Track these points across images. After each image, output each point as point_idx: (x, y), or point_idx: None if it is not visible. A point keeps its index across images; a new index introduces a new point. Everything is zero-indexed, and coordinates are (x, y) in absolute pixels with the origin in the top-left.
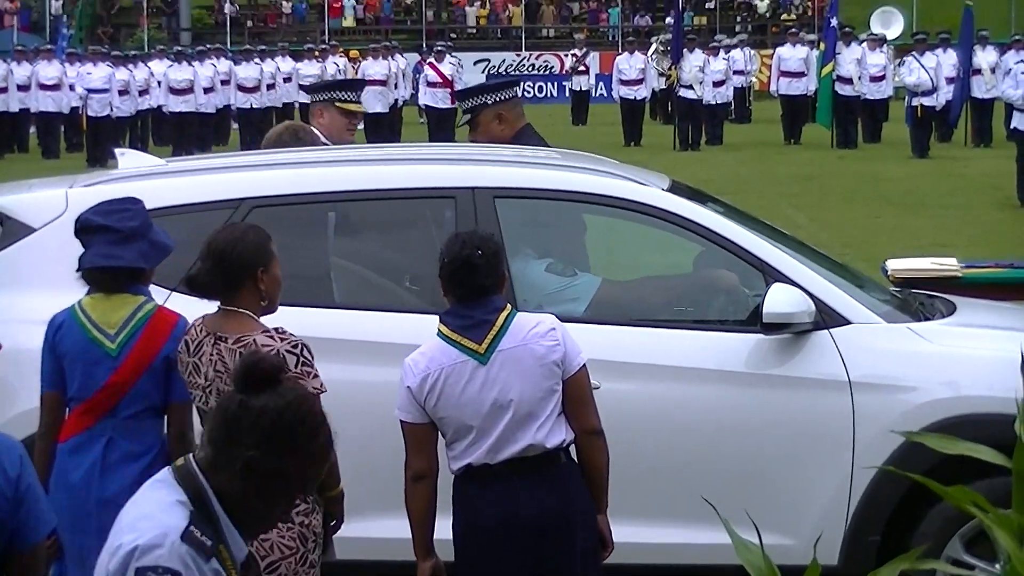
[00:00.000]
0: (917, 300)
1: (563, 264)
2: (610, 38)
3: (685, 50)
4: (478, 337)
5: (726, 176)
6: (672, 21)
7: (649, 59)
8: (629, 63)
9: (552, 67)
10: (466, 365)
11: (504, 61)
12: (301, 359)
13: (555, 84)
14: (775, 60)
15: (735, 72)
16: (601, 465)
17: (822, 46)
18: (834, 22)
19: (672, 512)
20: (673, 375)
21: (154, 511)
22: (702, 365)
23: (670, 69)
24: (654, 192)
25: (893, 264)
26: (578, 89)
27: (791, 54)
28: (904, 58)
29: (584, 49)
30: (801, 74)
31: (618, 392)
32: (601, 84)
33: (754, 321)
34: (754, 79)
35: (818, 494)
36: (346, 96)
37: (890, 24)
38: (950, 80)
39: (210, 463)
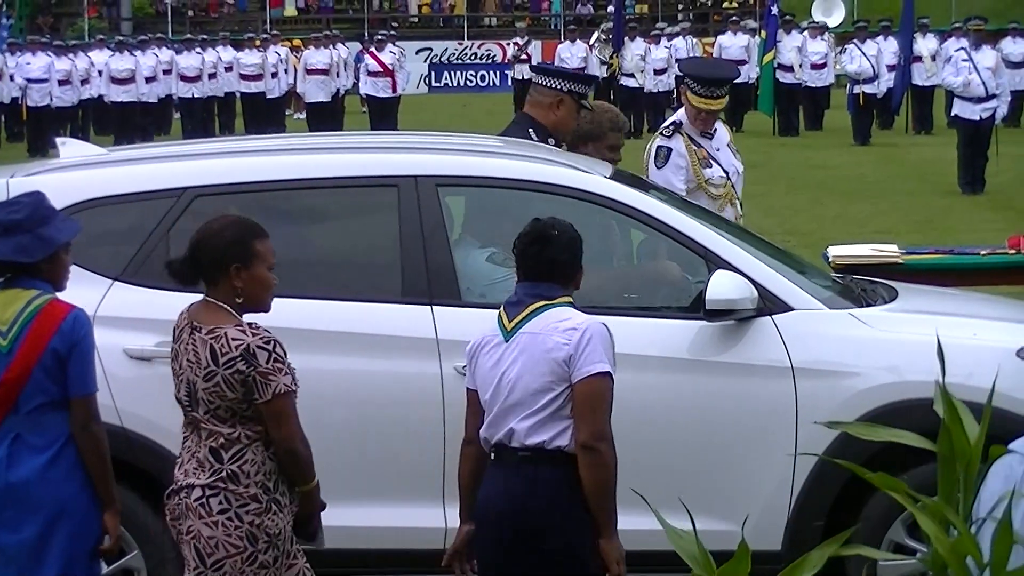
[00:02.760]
0: (859, 286)
1: (505, 254)
2: (552, 27)
3: (627, 38)
4: (512, 315)
5: None
6: (614, 9)
7: (591, 48)
8: (571, 52)
9: (494, 56)
10: (496, 339)
11: (446, 50)
12: (273, 355)
13: (497, 73)
14: (716, 48)
15: (677, 60)
16: (593, 482)
17: (763, 34)
18: (775, 10)
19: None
20: (619, 362)
21: None
22: (645, 352)
23: (612, 58)
24: (596, 180)
25: (835, 251)
26: (520, 78)
27: (732, 42)
28: (845, 46)
29: (526, 38)
30: (742, 62)
31: None
32: None
33: (697, 308)
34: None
35: (762, 480)
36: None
37: (831, 12)
38: (891, 68)
39: None
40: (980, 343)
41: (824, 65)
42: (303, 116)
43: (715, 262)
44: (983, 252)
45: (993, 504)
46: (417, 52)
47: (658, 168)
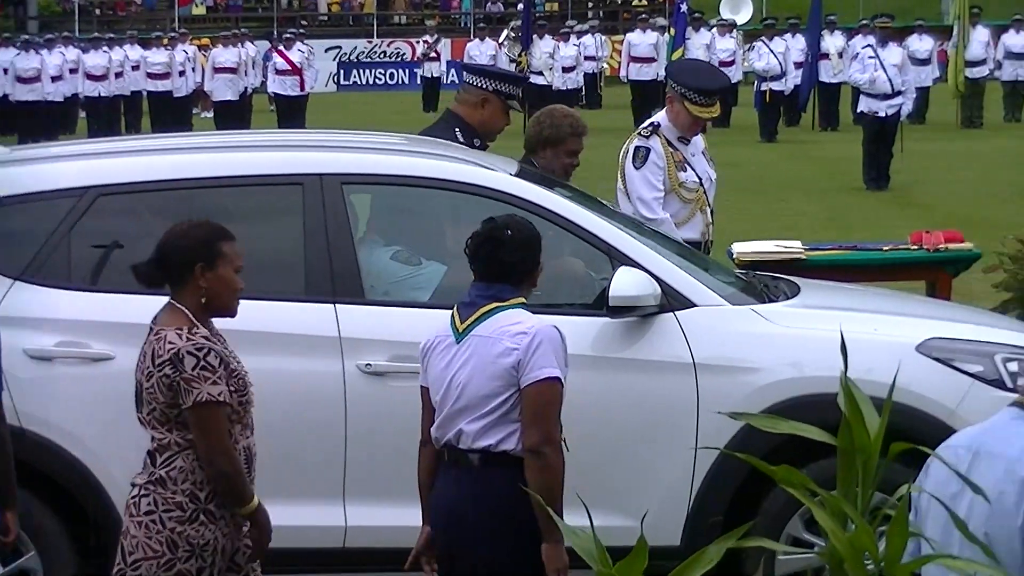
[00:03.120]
0: (761, 282)
1: (409, 252)
2: (462, 24)
3: (535, 36)
4: (464, 316)
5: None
6: (523, 7)
7: (500, 46)
8: (480, 49)
9: (404, 54)
10: (448, 340)
11: (356, 48)
12: (202, 363)
13: (407, 71)
14: (625, 46)
15: (586, 58)
16: (540, 487)
17: (672, 32)
18: (684, 8)
19: None
20: None
21: None
22: None
23: (521, 55)
24: (501, 177)
25: (738, 247)
26: (429, 76)
27: (641, 40)
28: (753, 43)
29: (435, 36)
30: (651, 59)
31: None
32: (452, 71)
33: (600, 304)
34: (605, 65)
35: (662, 476)
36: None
37: (739, 9)
38: (798, 65)
39: None
40: (881, 338)
41: (732, 62)
42: (211, 115)
43: (618, 259)
44: (886, 248)
45: (929, 498)
46: (326, 50)
47: (636, 168)
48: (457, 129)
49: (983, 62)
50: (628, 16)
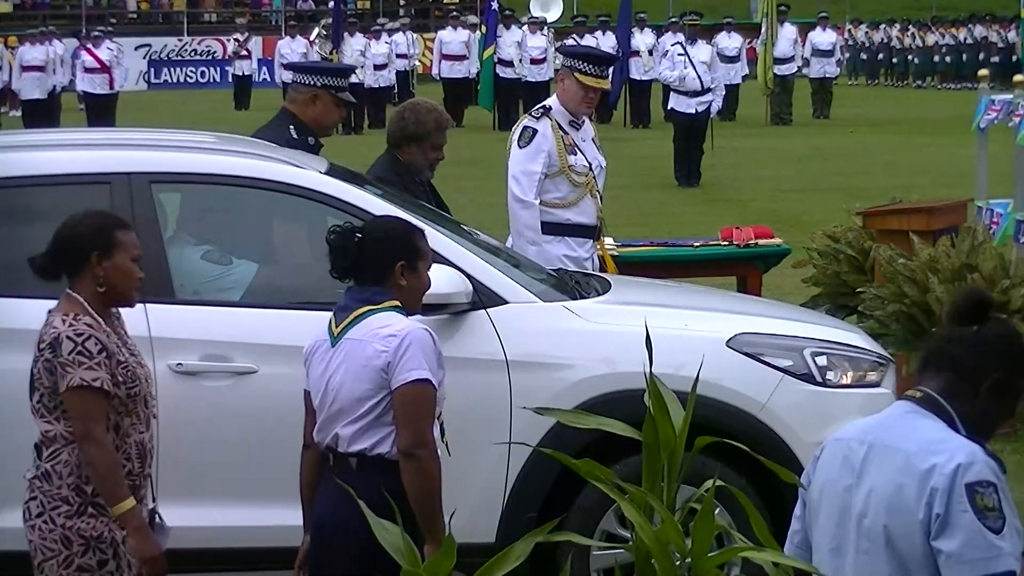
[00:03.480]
0: (572, 279)
1: (220, 251)
2: (273, 22)
3: (347, 34)
4: (339, 321)
5: None
6: (333, 5)
7: (311, 43)
8: (291, 47)
9: (214, 52)
10: (325, 345)
11: (166, 46)
12: (79, 348)
13: (218, 69)
14: (437, 43)
15: (397, 55)
16: (415, 490)
17: (483, 29)
18: (495, 5)
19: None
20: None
21: (943, 436)
22: None
23: (332, 53)
24: (311, 175)
25: None
26: (240, 74)
27: (453, 37)
28: (564, 41)
29: (246, 34)
30: (463, 57)
31: (277, 375)
32: (264, 69)
33: None
34: (417, 62)
35: (476, 473)
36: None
37: (550, 7)
38: None
39: (950, 389)
40: (691, 334)
41: (544, 60)
42: (19, 114)
43: None
44: (696, 244)
45: (820, 491)
46: (136, 48)
47: (520, 147)
48: (291, 127)
49: (791, 59)
50: (439, 14)
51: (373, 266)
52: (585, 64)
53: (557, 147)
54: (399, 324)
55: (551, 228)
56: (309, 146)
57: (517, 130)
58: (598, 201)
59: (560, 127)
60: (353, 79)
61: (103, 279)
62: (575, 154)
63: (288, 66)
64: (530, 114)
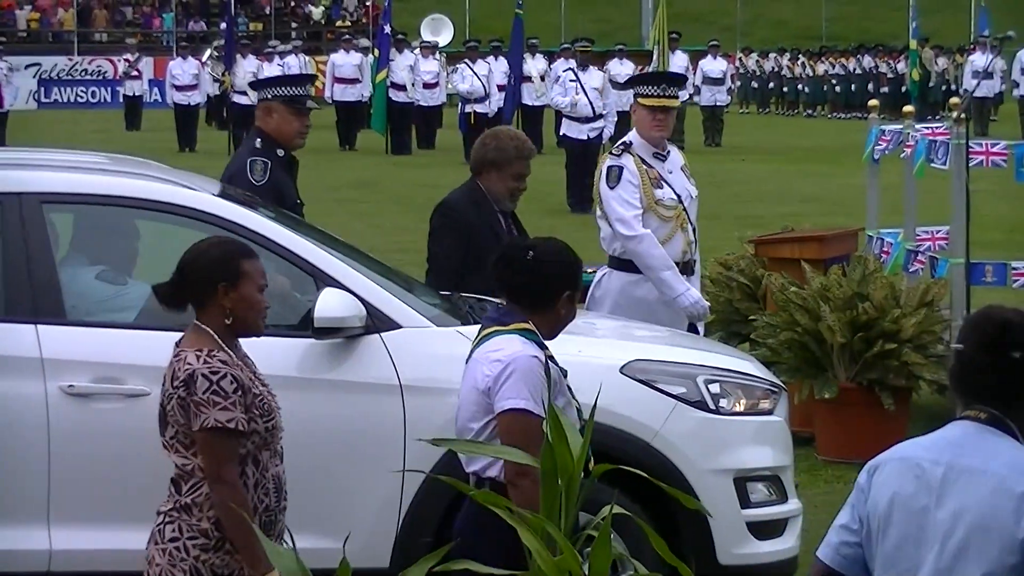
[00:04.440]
0: (466, 304)
1: (115, 272)
2: (164, 43)
3: (239, 56)
4: (476, 338)
5: None
6: (225, 26)
7: (203, 64)
8: (183, 68)
9: (105, 72)
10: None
11: (56, 65)
12: (214, 387)
13: (108, 89)
14: (329, 66)
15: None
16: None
17: (376, 53)
18: (387, 29)
19: None
20: None
21: None
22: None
23: (224, 75)
24: (203, 197)
25: None
26: (131, 94)
27: (345, 60)
28: (457, 65)
29: (137, 54)
30: (356, 80)
31: None
32: (155, 89)
33: (306, 325)
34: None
35: (370, 497)
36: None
37: (440, 31)
38: (501, 87)
39: (1005, 409)
40: (586, 359)
41: (436, 84)
42: None
43: (323, 280)
44: (589, 270)
45: (889, 510)
46: (26, 67)
47: (611, 188)
48: (258, 139)
49: None
50: (332, 36)
51: (539, 289)
52: (644, 86)
53: (642, 182)
54: (510, 349)
55: (634, 267)
56: (278, 158)
57: (603, 170)
58: (689, 235)
59: (643, 161)
60: (245, 101)
61: (230, 310)
62: (661, 187)
63: (250, 84)
64: (611, 152)
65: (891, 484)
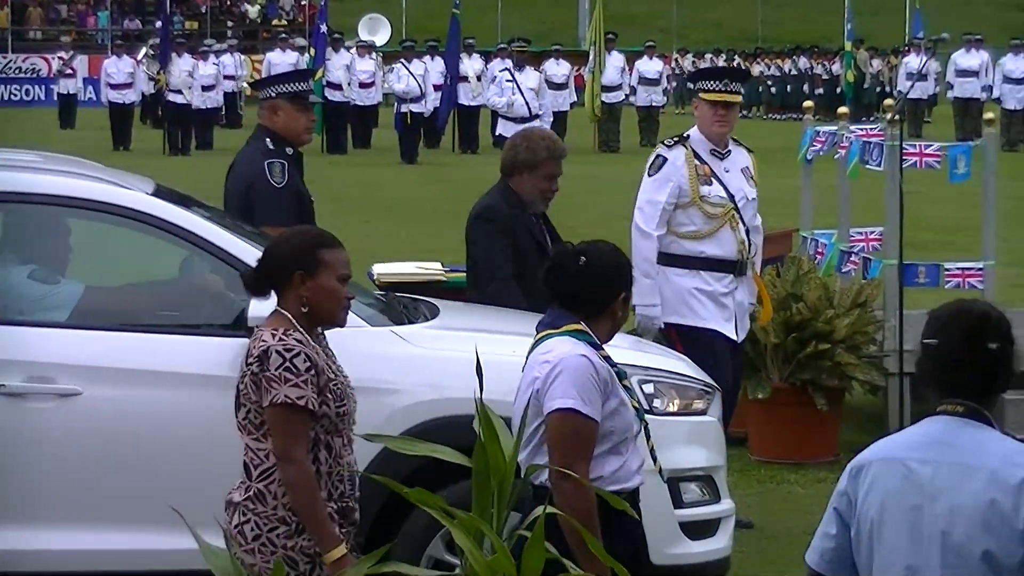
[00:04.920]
0: (401, 304)
1: (47, 271)
2: (99, 41)
3: (174, 54)
4: (533, 343)
5: (217, 181)
6: (161, 25)
7: (138, 63)
8: (118, 67)
9: (39, 70)
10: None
11: None
12: (287, 363)
13: (42, 87)
14: (265, 65)
15: (225, 77)
16: (566, 513)
17: (312, 52)
18: (323, 28)
19: (153, 519)
20: (157, 380)
21: (1017, 447)
22: (187, 370)
23: (159, 74)
24: (137, 196)
25: (379, 268)
26: (65, 92)
27: (281, 59)
28: (393, 65)
29: (71, 52)
30: None
31: (102, 397)
32: (89, 88)
33: (239, 325)
34: (244, 84)
35: None
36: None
37: (377, 31)
38: (437, 87)
39: (980, 401)
40: (518, 360)
41: (372, 84)
42: None
43: None
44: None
45: (881, 512)
46: None
47: (648, 176)
48: (267, 139)
49: (618, 87)
50: (268, 35)
51: (597, 293)
52: (706, 81)
53: (689, 177)
54: (559, 350)
55: (684, 261)
56: (287, 156)
57: (651, 158)
58: (741, 235)
59: (697, 156)
60: (180, 100)
61: (307, 299)
62: (710, 184)
63: (251, 85)
64: (663, 142)
65: (880, 486)
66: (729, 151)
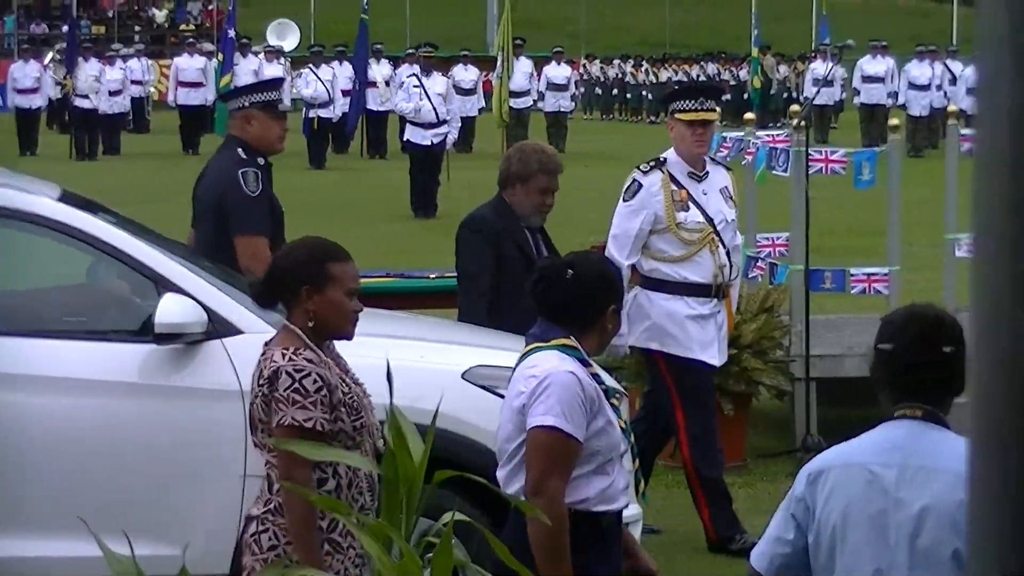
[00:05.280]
0: None
1: None
2: (5, 45)
3: (81, 59)
4: (520, 356)
5: (125, 186)
6: (67, 29)
7: (45, 68)
8: (24, 71)
9: None
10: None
11: None
12: (296, 385)
13: None
14: (173, 70)
15: (132, 82)
16: (532, 536)
17: (220, 57)
18: (231, 33)
19: (60, 526)
20: (64, 386)
21: None
22: (94, 376)
23: (66, 78)
24: (43, 202)
25: None
26: None
27: (189, 64)
28: (301, 70)
29: None
30: (199, 84)
31: (5, 403)
32: None
33: (147, 331)
34: (152, 89)
35: (211, 504)
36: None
37: (286, 36)
38: (346, 92)
39: (936, 404)
40: (427, 366)
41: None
42: None
43: (164, 285)
44: (432, 276)
45: (844, 518)
46: None
47: (623, 201)
48: (239, 148)
49: (527, 93)
50: (175, 40)
51: (585, 306)
52: (680, 101)
53: (665, 204)
54: (546, 364)
55: (668, 286)
56: (259, 166)
57: (626, 182)
58: (721, 258)
59: (674, 180)
60: (87, 104)
61: (314, 313)
62: (687, 210)
63: (219, 97)
64: (638, 167)
65: (842, 492)
66: (707, 172)
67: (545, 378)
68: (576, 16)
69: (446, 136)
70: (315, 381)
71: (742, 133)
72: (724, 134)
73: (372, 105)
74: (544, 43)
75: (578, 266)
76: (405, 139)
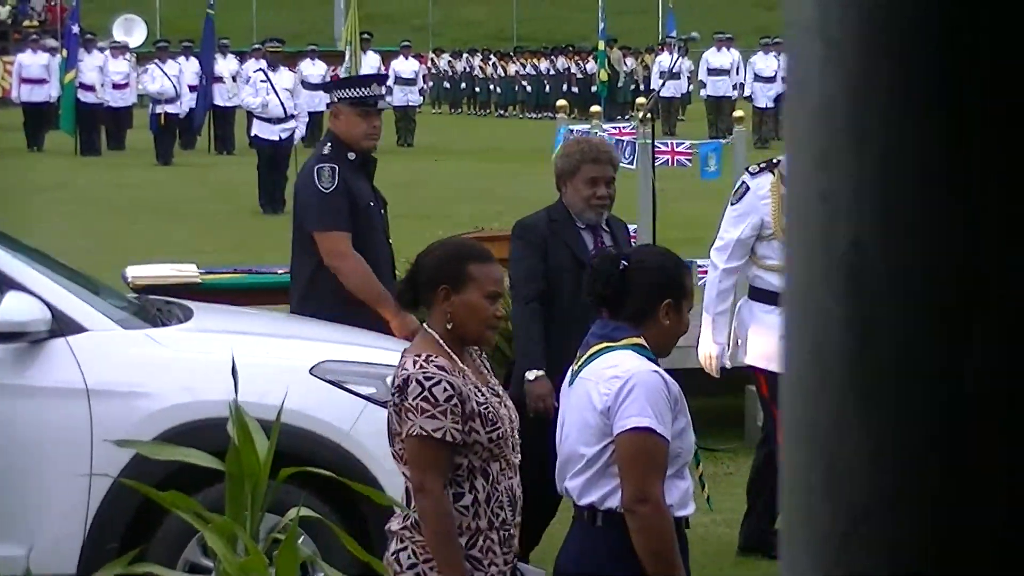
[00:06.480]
0: (155, 306)
1: None
2: None
3: None
4: (580, 357)
5: None
6: None
7: None
8: None
9: None
10: (567, 382)
11: None
12: (425, 393)
13: None
14: (16, 66)
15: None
16: (640, 548)
17: (64, 53)
18: (75, 29)
19: None
20: None
21: None
22: None
23: None
24: None
25: (133, 271)
26: None
27: (32, 60)
28: (147, 66)
29: None
30: (43, 81)
31: None
32: None
33: None
34: None
35: (56, 503)
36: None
37: (132, 31)
38: (193, 88)
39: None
40: (274, 362)
41: (126, 85)
42: None
43: (6, 283)
44: (280, 271)
45: None
46: None
47: (731, 205)
48: (328, 144)
49: None
50: (19, 36)
51: (638, 301)
52: None
53: (774, 207)
54: (627, 364)
55: (769, 296)
56: (348, 161)
57: (736, 184)
58: None
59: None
60: None
61: (451, 315)
62: None
63: (321, 87)
64: (747, 168)
65: None
66: None
67: (630, 378)
68: (424, 10)
69: (294, 131)
70: (445, 389)
71: (588, 126)
72: (570, 127)
73: (219, 100)
74: (392, 37)
75: (632, 258)
76: (253, 134)
